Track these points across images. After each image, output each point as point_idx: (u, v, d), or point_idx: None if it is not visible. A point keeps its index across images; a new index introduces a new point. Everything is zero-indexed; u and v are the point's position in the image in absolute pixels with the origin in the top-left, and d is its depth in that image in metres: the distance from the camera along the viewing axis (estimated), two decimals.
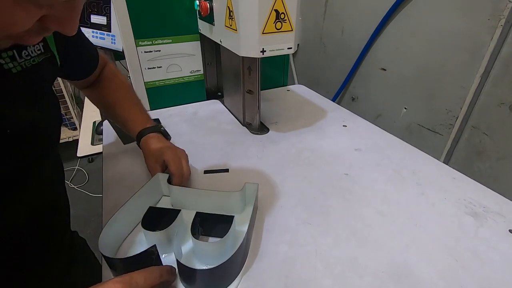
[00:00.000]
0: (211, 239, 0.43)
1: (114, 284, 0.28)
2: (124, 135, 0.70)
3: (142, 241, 0.42)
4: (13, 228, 0.35)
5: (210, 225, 0.42)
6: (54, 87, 1.82)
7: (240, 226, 0.43)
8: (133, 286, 0.29)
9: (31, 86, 0.34)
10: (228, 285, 0.36)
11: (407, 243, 0.42)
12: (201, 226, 0.42)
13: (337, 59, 1.29)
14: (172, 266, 0.35)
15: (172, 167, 0.48)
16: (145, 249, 0.34)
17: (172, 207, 0.49)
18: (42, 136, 0.36)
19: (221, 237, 0.37)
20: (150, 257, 0.34)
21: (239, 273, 0.37)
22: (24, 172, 0.34)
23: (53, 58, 0.38)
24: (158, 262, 0.35)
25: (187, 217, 0.43)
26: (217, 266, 0.33)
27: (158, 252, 0.34)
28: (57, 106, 0.40)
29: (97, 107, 0.60)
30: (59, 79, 1.74)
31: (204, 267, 0.34)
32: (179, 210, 0.42)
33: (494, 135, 0.79)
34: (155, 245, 0.34)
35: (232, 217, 0.40)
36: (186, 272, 0.34)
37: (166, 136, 0.56)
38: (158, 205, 0.49)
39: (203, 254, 0.39)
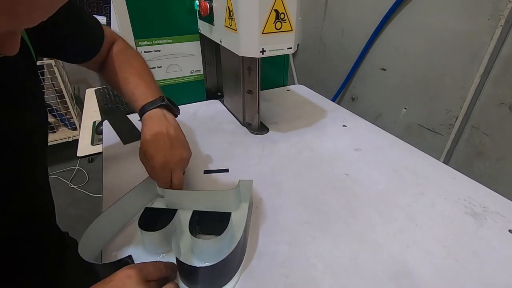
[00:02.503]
0: (208, 238, 0.43)
1: (129, 269, 0.30)
2: (124, 135, 0.70)
3: (137, 243, 0.42)
4: (5, 233, 0.34)
5: (207, 223, 0.42)
6: (54, 86, 1.82)
7: (236, 223, 0.43)
8: (145, 272, 0.31)
9: (4, 84, 0.31)
10: (227, 282, 0.36)
11: (407, 243, 0.42)
12: (198, 224, 0.42)
13: (337, 59, 1.29)
14: (173, 263, 0.36)
15: (159, 180, 0.46)
16: (123, 256, 0.35)
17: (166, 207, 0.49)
18: (29, 141, 0.34)
19: (218, 234, 0.37)
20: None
21: (237, 270, 0.37)
22: (16, 178, 0.33)
23: (26, 47, 0.35)
24: None
25: (183, 216, 0.43)
26: (217, 263, 0.33)
27: (133, 262, 0.35)
28: (42, 104, 0.38)
29: (110, 85, 0.56)
30: (59, 78, 1.74)
31: (203, 265, 0.34)
32: (176, 210, 0.42)
33: (494, 135, 0.79)
34: (130, 255, 0.35)
35: (229, 214, 0.40)
36: (187, 270, 0.34)
37: (173, 110, 0.51)
38: (153, 206, 0.49)
39: (202, 252, 0.39)
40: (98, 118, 1.13)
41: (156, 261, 0.35)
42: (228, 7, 0.55)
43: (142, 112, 0.48)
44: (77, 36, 0.45)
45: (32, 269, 0.40)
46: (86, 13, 0.46)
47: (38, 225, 0.40)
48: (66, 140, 1.90)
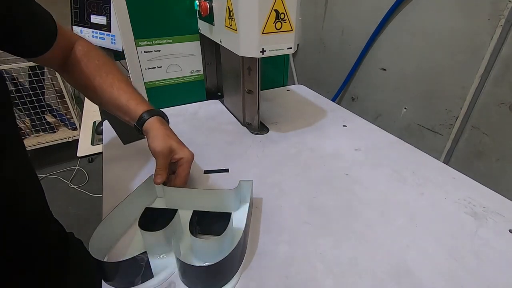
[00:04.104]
0: (208, 238, 0.43)
1: None
2: (124, 135, 0.70)
3: (137, 243, 0.42)
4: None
5: (207, 223, 0.42)
6: (54, 86, 1.82)
7: (237, 223, 0.43)
8: None
9: None
10: (227, 282, 0.36)
11: (407, 243, 0.42)
12: (198, 224, 0.42)
13: (337, 59, 1.29)
14: None
15: (182, 175, 0.48)
16: (137, 253, 0.34)
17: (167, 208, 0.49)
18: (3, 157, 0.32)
19: (218, 234, 0.37)
20: (139, 264, 0.35)
21: (237, 270, 0.37)
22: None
23: None
24: (148, 269, 0.35)
25: (184, 216, 0.43)
26: (217, 263, 0.33)
27: (148, 259, 0.35)
28: (10, 111, 0.35)
29: (79, 90, 0.55)
30: (59, 78, 1.74)
31: (203, 265, 0.34)
32: (176, 210, 0.42)
33: (494, 135, 0.79)
34: (145, 252, 0.35)
35: (230, 214, 0.40)
36: (187, 270, 0.34)
37: (167, 119, 0.55)
38: (153, 206, 0.49)
39: (202, 252, 0.39)
40: (98, 118, 1.13)
41: None
42: (228, 7, 0.55)
43: (142, 119, 0.50)
44: (26, 23, 0.39)
45: (30, 269, 0.40)
46: (37, 4, 0.41)
47: (31, 227, 0.40)
48: (66, 140, 1.91)
